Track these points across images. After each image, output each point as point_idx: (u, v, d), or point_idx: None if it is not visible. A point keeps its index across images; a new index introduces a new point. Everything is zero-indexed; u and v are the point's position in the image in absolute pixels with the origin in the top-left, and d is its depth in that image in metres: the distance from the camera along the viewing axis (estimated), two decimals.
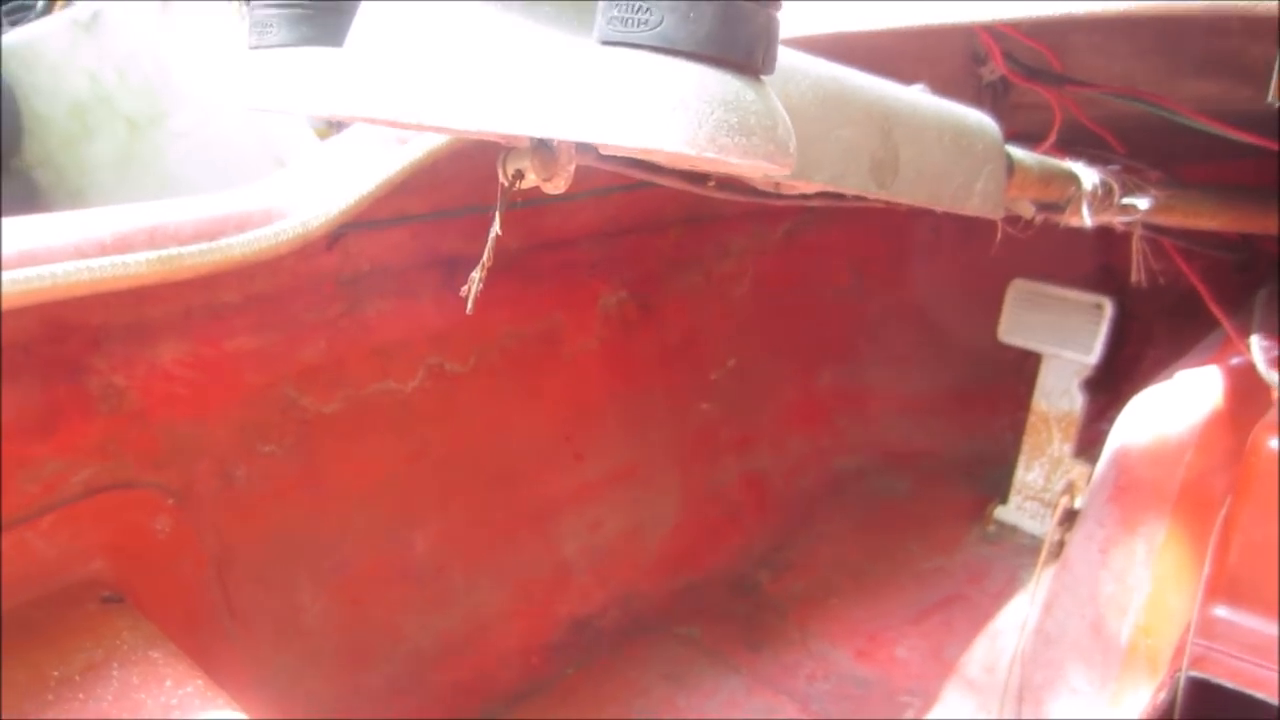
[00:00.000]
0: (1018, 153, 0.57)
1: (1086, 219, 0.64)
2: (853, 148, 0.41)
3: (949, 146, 0.47)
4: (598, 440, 1.12)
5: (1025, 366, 1.26)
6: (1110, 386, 1.15)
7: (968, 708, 0.98)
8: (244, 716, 0.58)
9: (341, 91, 0.31)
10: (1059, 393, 1.19)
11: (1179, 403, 0.84)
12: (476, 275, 0.34)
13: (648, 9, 0.21)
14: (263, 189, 0.74)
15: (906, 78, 0.48)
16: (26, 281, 0.59)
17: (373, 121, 0.33)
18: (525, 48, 0.25)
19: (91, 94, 2.80)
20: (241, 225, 0.70)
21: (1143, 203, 0.67)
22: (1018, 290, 1.20)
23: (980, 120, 0.51)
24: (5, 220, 0.62)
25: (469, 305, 0.33)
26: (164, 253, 0.65)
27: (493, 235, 0.33)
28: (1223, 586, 0.62)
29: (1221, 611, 0.61)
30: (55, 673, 0.62)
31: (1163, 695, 0.60)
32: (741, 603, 1.16)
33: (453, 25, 0.28)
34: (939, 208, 0.48)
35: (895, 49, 0.67)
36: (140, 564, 0.74)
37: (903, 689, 1.02)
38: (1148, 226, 0.77)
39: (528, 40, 0.26)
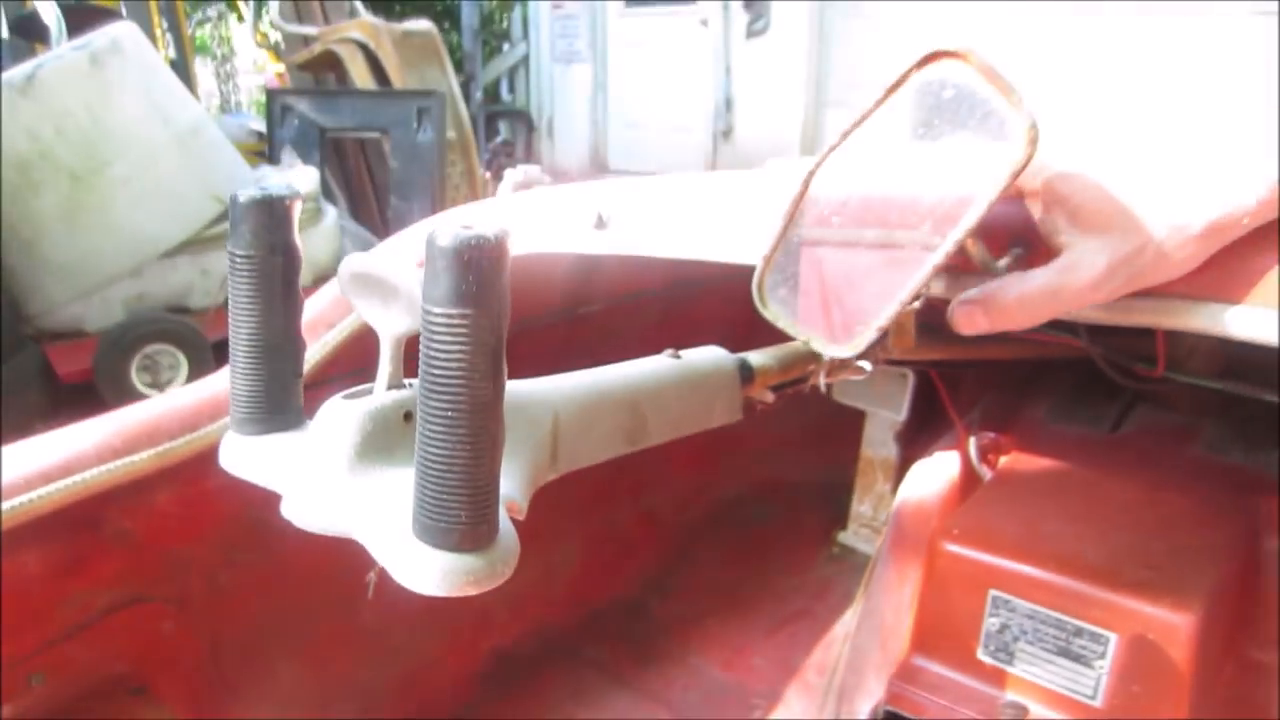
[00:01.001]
0: (758, 357, 0.82)
1: (821, 385, 0.88)
2: (610, 433, 0.66)
3: (687, 393, 0.72)
4: None
5: (862, 416, 1.53)
6: (918, 438, 1.43)
7: (801, 707, 1.26)
8: None
9: (285, 479, 0.56)
10: (880, 442, 1.47)
11: (931, 477, 1.12)
12: (372, 576, 0.59)
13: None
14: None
15: None
16: (70, 485, 0.83)
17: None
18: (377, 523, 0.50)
19: (32, 150, 2.96)
20: (214, 413, 0.94)
21: (867, 363, 0.92)
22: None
23: (715, 356, 0.75)
24: (46, 436, 0.86)
25: (370, 592, 0.58)
26: (161, 448, 0.89)
27: (375, 571, 0.58)
28: (918, 639, 0.89)
29: (917, 660, 0.89)
30: None
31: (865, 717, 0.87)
32: (635, 625, 1.44)
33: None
34: (684, 435, 0.74)
35: None
36: (154, 660, 0.98)
37: (755, 693, 1.30)
38: (895, 362, 1.02)
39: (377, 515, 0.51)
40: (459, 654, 1.30)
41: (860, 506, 1.53)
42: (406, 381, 0.56)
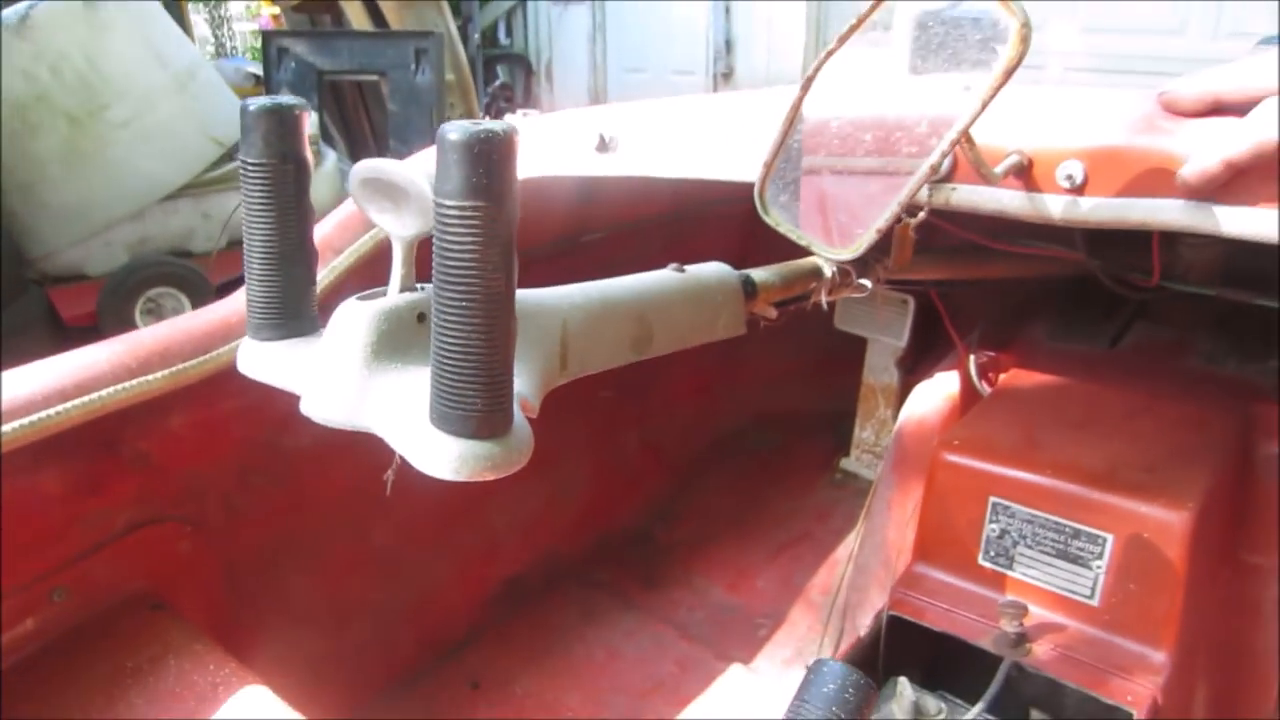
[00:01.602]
0: (761, 273, 0.83)
1: (824, 302, 0.90)
2: (617, 340, 0.67)
3: (691, 307, 0.73)
4: None
5: (863, 342, 1.55)
6: (919, 364, 1.44)
7: (806, 625, 1.29)
8: (267, 689, 0.85)
9: (303, 379, 0.57)
10: (881, 369, 1.49)
11: (933, 398, 1.14)
12: (390, 473, 0.61)
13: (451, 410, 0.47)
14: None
15: None
16: (87, 403, 0.85)
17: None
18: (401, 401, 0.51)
19: (29, 93, 2.94)
20: (227, 335, 0.95)
21: (868, 281, 0.93)
22: None
23: (719, 271, 0.76)
24: (62, 357, 0.87)
25: (388, 489, 0.60)
26: (174, 369, 0.90)
27: (396, 461, 0.60)
28: (920, 548, 0.92)
29: (919, 568, 0.91)
30: (129, 663, 0.89)
31: (867, 627, 0.89)
32: (641, 550, 1.47)
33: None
34: (689, 346, 0.75)
35: None
36: (172, 579, 1.00)
37: (760, 613, 1.33)
38: (895, 282, 1.04)
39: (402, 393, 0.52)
40: (470, 579, 1.33)
41: (862, 433, 1.55)
42: (419, 285, 0.58)
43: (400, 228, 0.55)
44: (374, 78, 4.31)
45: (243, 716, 0.81)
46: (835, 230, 0.65)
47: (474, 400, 0.46)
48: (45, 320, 3.10)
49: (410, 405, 0.51)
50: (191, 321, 0.95)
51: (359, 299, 0.55)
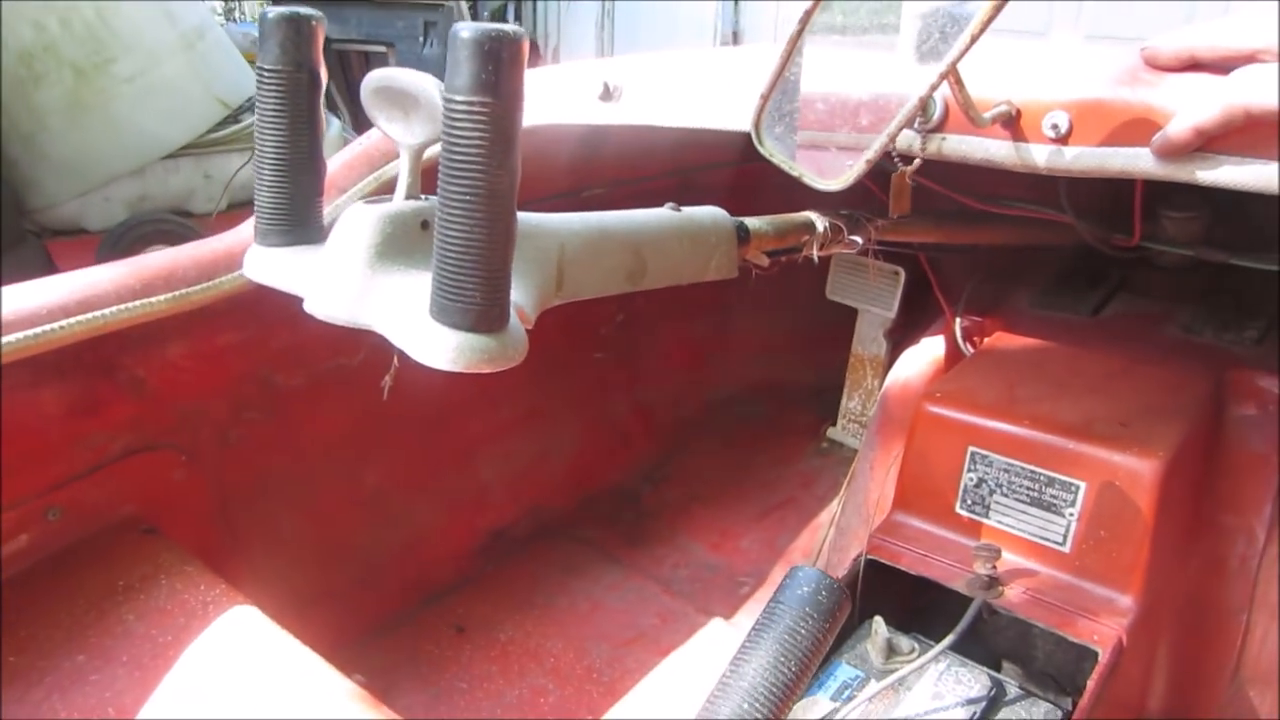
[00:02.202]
0: (755, 222, 0.85)
1: (814, 256, 0.92)
2: (612, 269, 0.69)
3: (686, 245, 0.75)
4: (509, 390, 1.41)
5: (853, 316, 1.57)
6: (908, 336, 1.46)
7: None
8: (256, 609, 0.87)
9: (307, 282, 0.59)
10: (870, 340, 1.51)
11: (918, 363, 1.16)
12: (389, 379, 0.63)
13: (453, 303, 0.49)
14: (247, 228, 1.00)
15: None
16: (89, 320, 0.86)
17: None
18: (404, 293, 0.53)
19: (36, 42, 2.93)
20: (230, 264, 0.97)
21: (859, 238, 0.95)
22: (840, 259, 1.50)
23: (714, 214, 0.78)
24: (65, 275, 0.89)
25: (385, 394, 0.62)
26: (178, 293, 0.92)
27: (394, 364, 0.62)
28: (900, 498, 0.94)
29: (898, 516, 0.93)
30: (121, 581, 0.91)
31: (845, 570, 0.91)
32: (627, 510, 1.49)
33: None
34: (683, 283, 0.77)
35: None
36: (165, 506, 1.01)
37: (742, 572, 1.35)
38: (884, 243, 1.06)
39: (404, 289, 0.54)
40: (458, 528, 1.35)
41: (849, 403, 1.57)
42: (424, 196, 0.59)
43: (409, 136, 0.57)
44: (381, 49, 4.31)
45: (231, 633, 0.83)
46: (827, 161, 0.67)
47: (473, 294, 0.48)
48: (44, 271, 3.10)
49: (411, 303, 0.52)
50: (196, 249, 0.96)
51: (365, 202, 0.57)
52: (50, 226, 3.17)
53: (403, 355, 0.56)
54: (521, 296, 0.60)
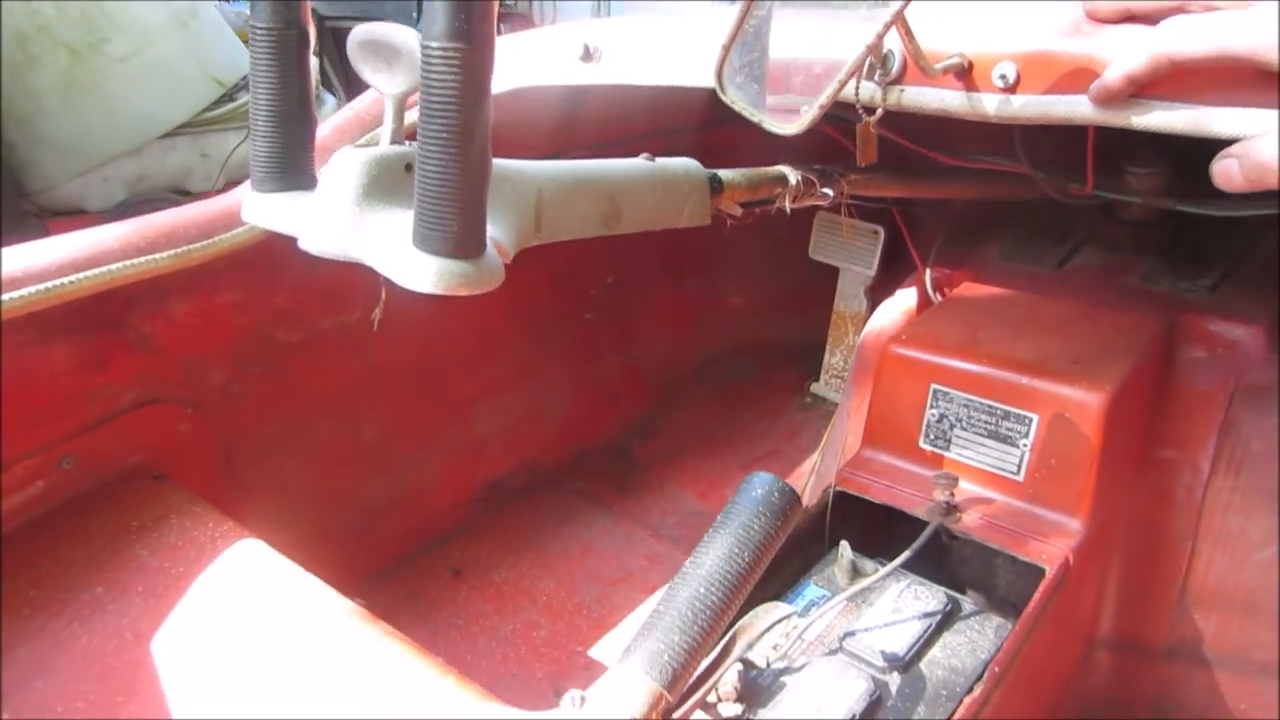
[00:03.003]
0: (728, 174, 0.90)
1: (787, 208, 0.97)
2: (588, 213, 0.74)
3: (659, 192, 0.80)
4: (502, 348, 1.47)
5: (835, 275, 1.62)
6: (887, 293, 1.51)
7: None
8: (263, 543, 0.93)
9: (300, 223, 0.64)
10: (851, 297, 1.56)
11: (892, 313, 1.21)
12: (378, 311, 0.68)
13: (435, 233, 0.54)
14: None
15: None
16: (97, 275, 0.91)
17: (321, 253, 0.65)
18: (387, 232, 0.58)
19: (30, 24, 2.96)
20: (230, 223, 1.02)
21: (830, 190, 1.00)
22: (821, 220, 1.55)
23: (686, 166, 0.83)
24: (74, 234, 0.94)
25: (375, 325, 0.67)
26: (180, 250, 0.97)
27: (383, 296, 0.67)
28: (868, 435, 0.99)
29: (866, 452, 0.99)
30: (134, 522, 0.96)
31: (816, 502, 0.97)
32: (617, 462, 1.54)
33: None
34: (656, 229, 0.82)
35: None
36: (173, 456, 1.07)
37: None
38: (857, 197, 1.10)
39: (389, 227, 0.58)
40: (455, 479, 1.40)
41: (832, 359, 1.63)
42: (408, 143, 0.64)
43: (391, 85, 0.62)
44: None
45: (239, 564, 0.89)
46: (784, 106, 0.72)
47: (451, 223, 0.53)
48: None
49: (396, 237, 0.57)
50: (196, 209, 1.01)
51: (353, 147, 0.62)
52: (50, 208, 3.21)
53: (390, 298, 0.61)
54: (500, 233, 0.65)
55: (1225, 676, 0.94)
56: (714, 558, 0.60)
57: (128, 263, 0.93)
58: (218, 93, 3.36)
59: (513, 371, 1.49)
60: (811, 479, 1.32)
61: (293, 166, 0.68)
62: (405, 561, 1.28)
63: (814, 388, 1.66)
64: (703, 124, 1.44)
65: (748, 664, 0.78)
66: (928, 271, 1.15)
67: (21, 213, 3.18)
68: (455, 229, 0.53)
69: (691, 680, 0.63)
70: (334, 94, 4.08)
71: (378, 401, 1.30)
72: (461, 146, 0.52)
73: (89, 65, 3.07)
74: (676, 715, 0.61)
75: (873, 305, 1.54)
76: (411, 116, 0.58)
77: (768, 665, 0.79)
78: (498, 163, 0.66)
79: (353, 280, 1.24)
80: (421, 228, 0.54)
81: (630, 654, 0.58)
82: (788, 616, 0.74)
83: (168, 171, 3.35)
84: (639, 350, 1.69)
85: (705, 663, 0.65)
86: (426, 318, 1.34)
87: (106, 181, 3.24)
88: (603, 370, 1.63)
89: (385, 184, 0.61)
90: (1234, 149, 0.60)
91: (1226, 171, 0.61)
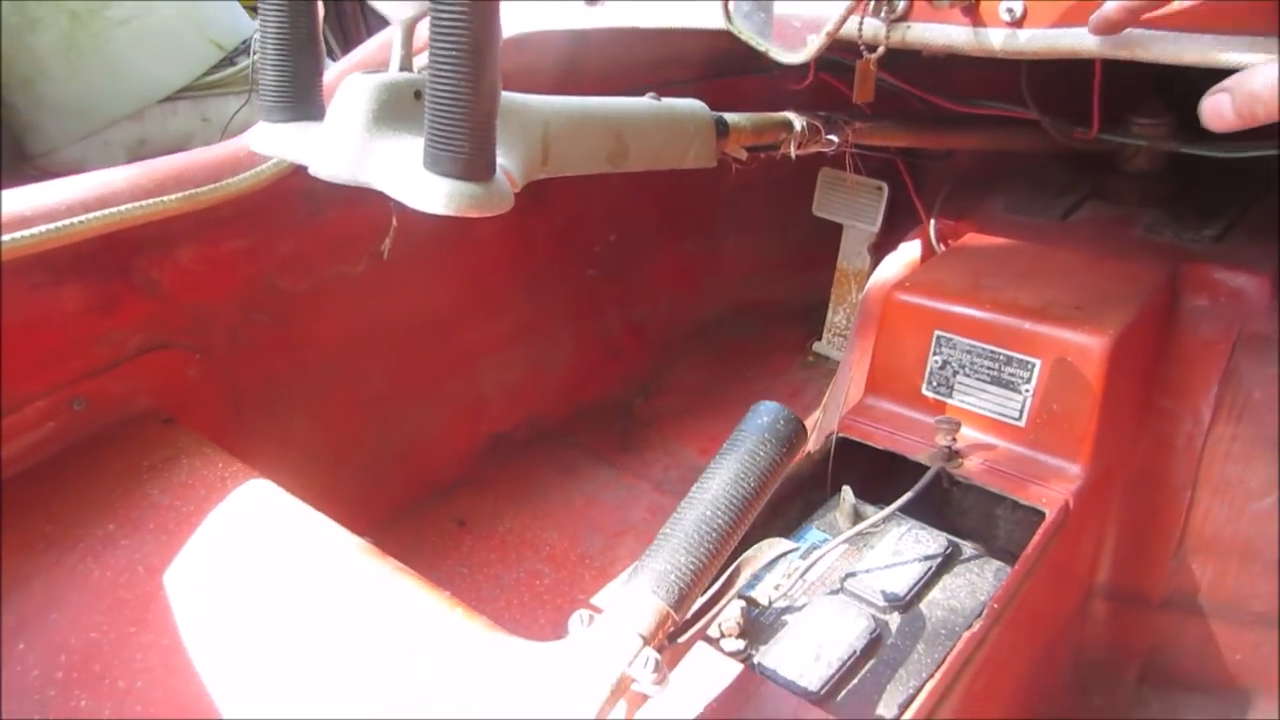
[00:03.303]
0: (734, 117, 0.90)
1: (792, 153, 0.97)
2: (593, 149, 0.74)
3: (665, 131, 0.80)
4: (504, 303, 1.47)
5: (839, 234, 1.62)
6: (891, 250, 1.51)
7: None
8: (271, 482, 0.94)
9: (310, 151, 0.64)
10: (854, 254, 1.56)
11: (895, 264, 1.22)
12: (388, 241, 0.68)
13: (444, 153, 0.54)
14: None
15: None
16: (107, 216, 0.92)
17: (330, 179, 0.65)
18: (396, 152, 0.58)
19: None
20: (236, 168, 1.02)
21: (835, 138, 1.00)
22: (825, 176, 1.55)
23: (692, 107, 0.83)
24: (83, 175, 0.94)
25: (385, 254, 0.67)
26: (188, 192, 0.97)
27: (393, 225, 0.67)
28: (870, 383, 1.00)
29: (869, 400, 0.99)
30: (145, 462, 0.97)
31: (819, 448, 0.98)
32: (620, 419, 1.55)
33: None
34: (662, 168, 0.82)
35: None
36: (180, 401, 1.07)
37: None
38: (862, 147, 1.10)
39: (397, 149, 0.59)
40: (458, 432, 1.41)
41: (834, 317, 1.63)
42: (417, 70, 0.65)
43: (400, 11, 0.62)
44: None
45: (249, 502, 0.90)
46: (791, 35, 0.72)
47: (461, 144, 0.54)
48: None
49: (406, 161, 0.58)
50: (203, 154, 1.01)
51: (363, 73, 0.62)
52: (52, 171, 3.20)
53: (396, 244, 0.61)
54: (509, 163, 0.65)
55: (1221, 626, 0.95)
56: (720, 482, 0.61)
57: (136, 204, 0.94)
58: (218, 56, 3.34)
59: (515, 327, 1.49)
60: (814, 433, 1.33)
61: (302, 96, 0.68)
62: (411, 512, 1.29)
63: (816, 346, 1.66)
64: (708, 75, 1.43)
65: (750, 601, 0.79)
66: (932, 223, 1.15)
67: (24, 176, 3.17)
68: (466, 150, 0.54)
69: (696, 606, 0.64)
70: (333, 59, 4.07)
71: (383, 353, 1.31)
72: (472, 66, 0.52)
73: (89, 28, 3.06)
74: (680, 641, 0.62)
75: (876, 262, 1.54)
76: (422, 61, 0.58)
77: (770, 603, 0.80)
78: (506, 95, 0.66)
79: (357, 230, 1.25)
80: (432, 149, 0.54)
81: (637, 574, 0.58)
82: (791, 551, 0.75)
83: (169, 136, 3.34)
84: (641, 308, 1.69)
85: (706, 595, 0.66)
86: (430, 271, 1.34)
87: (108, 145, 3.23)
88: (605, 327, 1.64)
89: (395, 110, 0.61)
90: (1226, 82, 0.57)
91: (1216, 107, 0.57)
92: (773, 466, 0.61)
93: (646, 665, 0.54)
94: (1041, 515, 0.82)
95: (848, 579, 0.80)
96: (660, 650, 0.56)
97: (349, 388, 1.27)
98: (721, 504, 0.60)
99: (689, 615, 0.62)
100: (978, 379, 0.91)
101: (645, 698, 0.57)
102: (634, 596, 0.58)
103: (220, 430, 1.13)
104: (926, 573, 0.80)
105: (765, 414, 0.63)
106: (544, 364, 1.54)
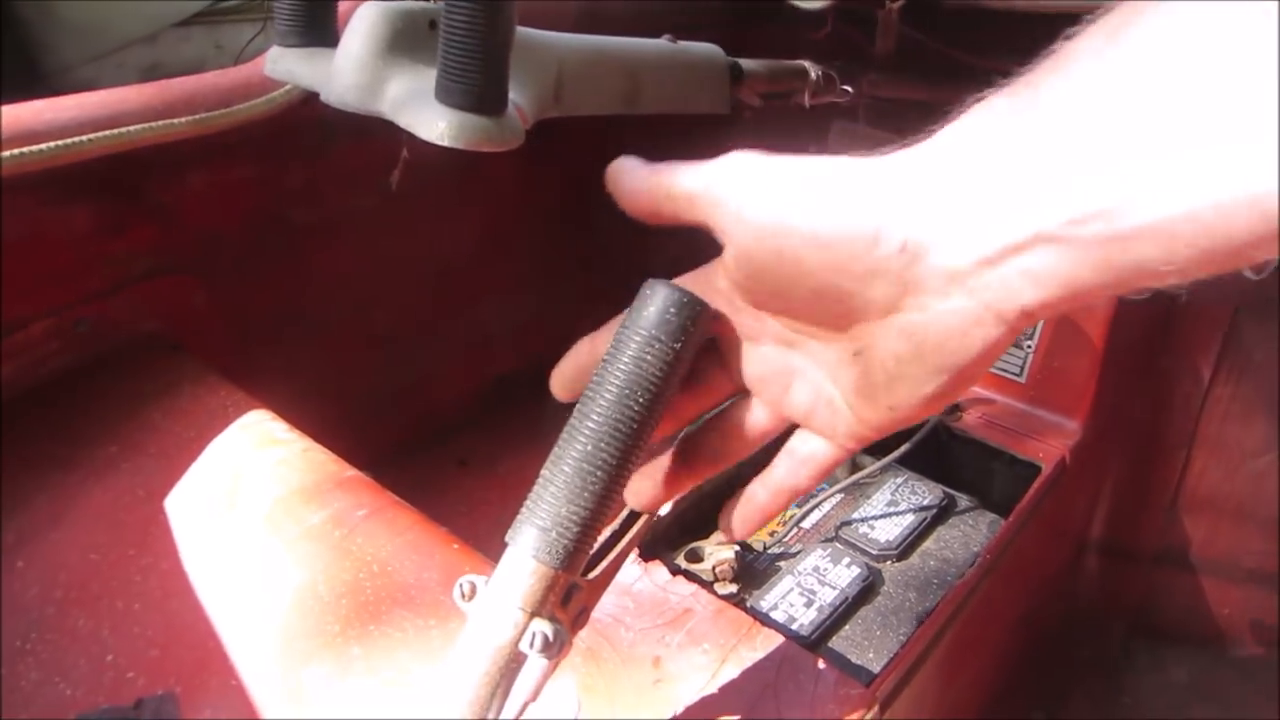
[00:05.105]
0: (750, 63, 0.89)
1: (806, 101, 0.96)
2: (609, 88, 0.74)
3: (679, 74, 0.80)
4: (513, 244, 1.47)
5: None
6: None
7: None
8: (270, 411, 0.94)
9: (322, 77, 0.64)
10: None
11: None
12: (396, 173, 0.68)
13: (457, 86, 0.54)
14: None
15: None
16: (117, 135, 0.91)
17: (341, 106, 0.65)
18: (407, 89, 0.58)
19: None
20: (248, 93, 1.01)
21: (851, 87, 0.99)
22: (839, 131, 1.53)
23: (708, 51, 0.83)
24: (96, 93, 0.94)
25: (393, 186, 0.67)
26: (199, 116, 0.97)
27: (403, 156, 0.67)
28: None
29: None
30: (148, 387, 0.98)
31: None
32: None
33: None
34: (675, 111, 0.81)
35: None
36: (187, 327, 1.08)
37: None
38: (875, 98, 1.09)
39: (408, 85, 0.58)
40: (464, 372, 1.42)
41: None
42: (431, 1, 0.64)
43: None
44: None
45: (249, 429, 0.90)
46: None
47: (475, 77, 0.53)
48: None
49: (418, 92, 0.57)
50: (216, 77, 1.00)
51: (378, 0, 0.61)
52: (64, 91, 3.18)
53: (405, 180, 0.60)
54: (521, 99, 0.65)
55: (1211, 582, 0.96)
56: (602, 405, 0.48)
57: (146, 126, 0.93)
58: None
59: (523, 270, 1.49)
60: None
61: (315, 22, 0.67)
62: (413, 451, 1.30)
63: None
64: (725, 24, 1.41)
65: (745, 547, 0.80)
66: None
67: (36, 95, 3.15)
68: (479, 83, 0.53)
69: (601, 540, 0.53)
70: None
71: (389, 291, 1.31)
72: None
73: None
74: (594, 575, 0.51)
75: None
76: None
77: (764, 549, 0.81)
78: (521, 30, 0.65)
79: (369, 164, 1.24)
80: (445, 80, 0.54)
81: (518, 532, 0.48)
82: None
83: (182, 61, 3.31)
84: (650, 258, 1.68)
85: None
86: (441, 209, 1.34)
87: (121, 68, 3.20)
88: (612, 275, 1.63)
89: (409, 38, 0.61)
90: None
91: None
92: (665, 373, 0.46)
93: (534, 643, 0.44)
94: (1038, 470, 0.82)
95: (842, 527, 0.81)
96: (557, 611, 0.46)
97: (355, 323, 1.27)
98: (605, 434, 0.47)
99: (598, 545, 0.52)
100: None
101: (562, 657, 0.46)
102: (515, 562, 0.47)
103: (226, 359, 1.13)
104: (921, 523, 0.81)
105: (653, 302, 0.49)
106: (549, 309, 1.53)
